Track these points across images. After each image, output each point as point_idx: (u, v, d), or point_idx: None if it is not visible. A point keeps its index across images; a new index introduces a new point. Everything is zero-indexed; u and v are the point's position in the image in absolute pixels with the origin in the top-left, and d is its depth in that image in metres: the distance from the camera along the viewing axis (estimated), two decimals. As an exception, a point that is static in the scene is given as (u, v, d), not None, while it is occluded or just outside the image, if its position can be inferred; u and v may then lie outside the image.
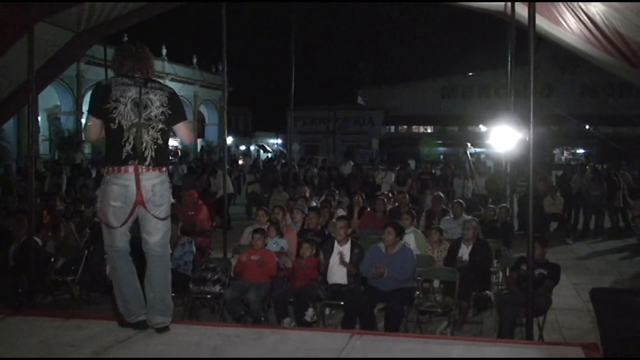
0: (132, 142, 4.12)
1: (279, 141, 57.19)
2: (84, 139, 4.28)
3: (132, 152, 4.13)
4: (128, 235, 4.40)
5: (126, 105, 4.13)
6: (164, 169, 4.33)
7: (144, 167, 4.16)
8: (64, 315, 4.87)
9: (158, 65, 43.35)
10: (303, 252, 7.75)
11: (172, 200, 4.47)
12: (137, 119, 4.14)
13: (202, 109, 50.58)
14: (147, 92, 4.22)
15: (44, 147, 34.55)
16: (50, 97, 35.08)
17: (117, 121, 4.13)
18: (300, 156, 36.84)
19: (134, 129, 4.13)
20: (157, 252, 4.42)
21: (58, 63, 16.23)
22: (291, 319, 7.24)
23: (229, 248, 9.47)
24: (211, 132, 51.23)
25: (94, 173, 19.60)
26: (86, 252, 8.63)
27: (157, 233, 4.36)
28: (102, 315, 4.96)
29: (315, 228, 9.13)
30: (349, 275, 7.49)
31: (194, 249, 8.40)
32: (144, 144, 4.15)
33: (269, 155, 48.46)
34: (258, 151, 53.17)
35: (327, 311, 7.77)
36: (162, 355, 4.04)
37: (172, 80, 45.12)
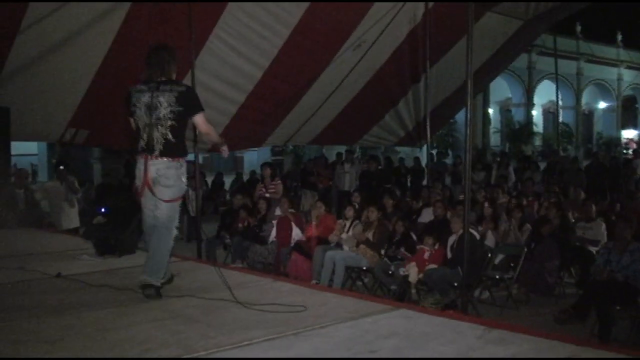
0: (145, 139, 5.13)
1: None
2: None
3: (145, 146, 5.14)
4: (151, 213, 5.25)
5: (141, 109, 5.11)
6: (175, 159, 5.16)
7: (151, 157, 5.11)
8: (490, 323, 4.41)
9: (612, 52, 40.64)
10: None
11: (184, 187, 5.31)
12: (149, 120, 5.10)
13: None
14: (158, 96, 5.08)
15: (494, 139, 35.43)
16: (502, 89, 35.72)
17: (136, 122, 5.20)
18: None
19: (147, 128, 5.11)
20: (163, 224, 5.21)
21: (507, 52, 16.28)
22: None
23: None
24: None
25: (542, 166, 19.12)
26: (526, 249, 8.20)
27: (161, 211, 5.19)
28: (532, 330, 4.34)
29: None
30: None
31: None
32: (155, 140, 5.10)
33: None
34: None
35: None
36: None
37: (627, 67, 41.88)
